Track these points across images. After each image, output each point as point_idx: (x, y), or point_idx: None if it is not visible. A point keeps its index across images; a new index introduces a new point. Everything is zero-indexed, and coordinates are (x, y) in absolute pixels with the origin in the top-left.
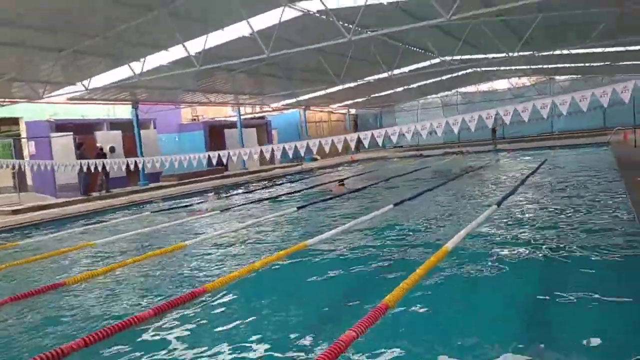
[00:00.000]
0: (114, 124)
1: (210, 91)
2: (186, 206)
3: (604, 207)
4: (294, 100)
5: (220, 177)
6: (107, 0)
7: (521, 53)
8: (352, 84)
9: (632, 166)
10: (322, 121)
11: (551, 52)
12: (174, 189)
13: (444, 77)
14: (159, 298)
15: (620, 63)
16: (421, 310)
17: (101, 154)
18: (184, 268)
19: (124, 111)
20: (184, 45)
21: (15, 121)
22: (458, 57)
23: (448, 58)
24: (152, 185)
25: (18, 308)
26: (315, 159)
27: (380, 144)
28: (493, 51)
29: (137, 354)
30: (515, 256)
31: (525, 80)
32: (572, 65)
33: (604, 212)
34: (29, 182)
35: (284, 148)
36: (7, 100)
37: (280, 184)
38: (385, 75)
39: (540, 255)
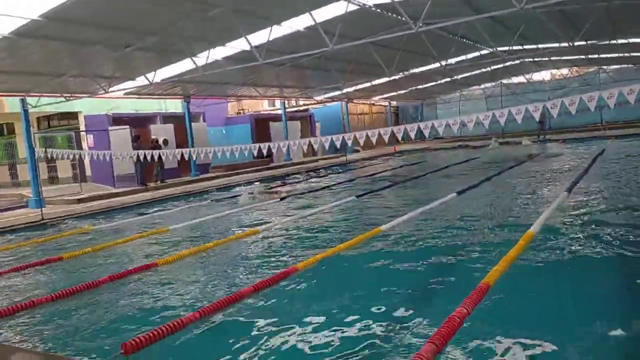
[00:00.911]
0: (166, 118)
1: (257, 84)
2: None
3: None
4: (337, 92)
5: (266, 168)
6: None
7: (578, 43)
8: (396, 77)
9: None
10: (364, 113)
11: (607, 42)
12: (226, 179)
13: (490, 69)
14: (252, 276)
15: None
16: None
17: (156, 146)
18: (266, 250)
19: (174, 106)
20: (247, 40)
21: (74, 115)
22: (512, 48)
23: (503, 49)
24: (202, 176)
25: (118, 286)
26: (357, 151)
27: (427, 136)
28: (545, 41)
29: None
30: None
31: (566, 71)
32: (622, 55)
33: None
34: (88, 172)
35: (331, 140)
36: (71, 95)
37: (330, 174)
38: (436, 66)
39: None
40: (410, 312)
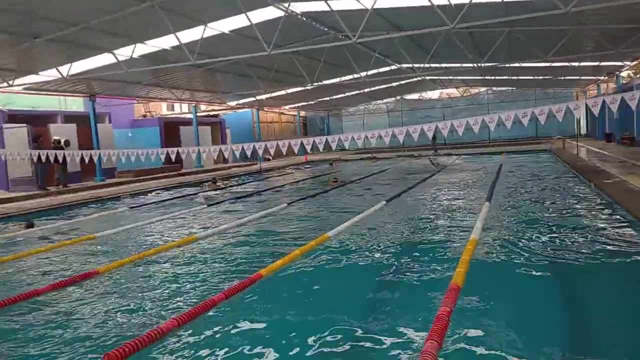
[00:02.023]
0: (68, 117)
1: (170, 87)
2: (167, 200)
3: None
4: (251, 99)
5: (177, 174)
6: None
7: (485, 64)
8: (310, 86)
9: (585, 170)
10: (274, 122)
11: (507, 65)
12: (137, 185)
13: (394, 84)
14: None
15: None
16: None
17: (58, 147)
18: (229, 256)
19: (75, 104)
20: (177, 37)
21: None
22: (423, 65)
23: (417, 65)
24: (109, 181)
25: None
26: (268, 159)
27: (333, 149)
28: (454, 61)
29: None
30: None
31: (453, 90)
32: (509, 77)
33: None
34: None
35: (242, 148)
36: None
37: (250, 182)
38: (348, 78)
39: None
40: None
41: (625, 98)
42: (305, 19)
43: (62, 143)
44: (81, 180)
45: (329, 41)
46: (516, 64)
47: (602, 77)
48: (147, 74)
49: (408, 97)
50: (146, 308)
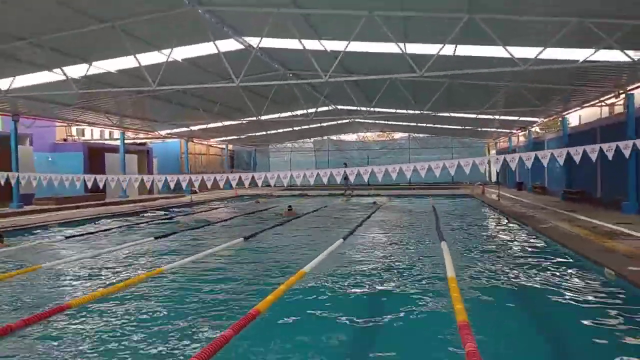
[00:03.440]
0: None
1: (98, 111)
2: (107, 230)
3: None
4: (183, 129)
5: (102, 203)
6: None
7: (425, 111)
8: (244, 120)
9: (516, 214)
10: (202, 153)
11: (437, 114)
12: (65, 213)
13: (325, 124)
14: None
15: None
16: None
17: None
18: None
19: None
20: (136, 59)
21: None
22: (367, 109)
23: (358, 108)
24: (28, 208)
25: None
26: (194, 192)
27: (259, 185)
28: (393, 107)
29: None
30: None
31: (370, 134)
32: (436, 125)
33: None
34: None
35: (165, 179)
36: None
37: (186, 214)
38: (297, 113)
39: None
40: None
41: (538, 156)
42: (260, 54)
43: None
44: None
45: (279, 78)
46: (445, 114)
47: (514, 131)
48: (78, 95)
49: (334, 137)
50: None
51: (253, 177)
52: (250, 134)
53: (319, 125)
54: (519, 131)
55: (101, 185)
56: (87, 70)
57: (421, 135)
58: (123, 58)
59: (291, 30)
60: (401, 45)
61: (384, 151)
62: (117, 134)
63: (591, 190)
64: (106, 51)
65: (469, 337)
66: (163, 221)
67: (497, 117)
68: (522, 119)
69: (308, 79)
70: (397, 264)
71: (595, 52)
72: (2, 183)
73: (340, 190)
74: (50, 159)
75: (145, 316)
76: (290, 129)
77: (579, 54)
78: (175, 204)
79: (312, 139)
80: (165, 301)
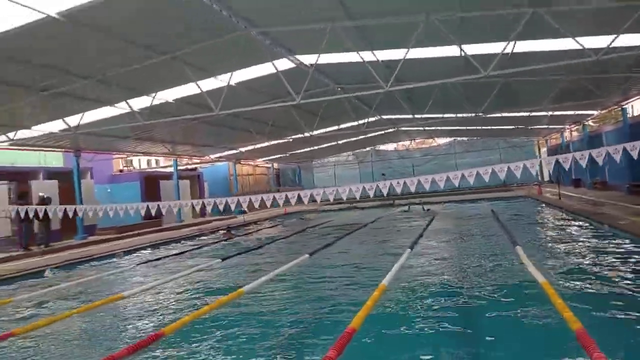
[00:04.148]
0: (50, 173)
1: (150, 140)
2: (176, 255)
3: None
4: (233, 152)
5: (160, 229)
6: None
7: (460, 115)
8: (291, 138)
9: (577, 211)
10: (249, 174)
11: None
12: (129, 241)
13: (369, 135)
14: None
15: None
16: None
17: (42, 204)
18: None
19: (55, 159)
20: (198, 85)
21: None
22: (419, 116)
23: (404, 117)
24: (92, 238)
25: None
26: (244, 212)
27: (306, 203)
28: (441, 112)
29: None
30: None
31: (408, 143)
32: (482, 127)
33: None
34: None
35: (214, 202)
36: None
37: (244, 234)
38: (348, 125)
39: None
40: None
41: (592, 155)
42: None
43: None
44: (61, 239)
45: (329, 94)
46: (497, 115)
47: (566, 126)
48: (134, 127)
49: (379, 147)
50: None
51: (299, 195)
52: (294, 152)
53: (362, 137)
54: (572, 126)
55: (153, 213)
56: (152, 102)
57: (465, 138)
58: (180, 87)
59: (345, 44)
60: (462, 47)
61: (428, 157)
62: (163, 161)
63: None
64: (166, 82)
65: (592, 346)
66: (224, 243)
67: (550, 113)
68: (577, 112)
69: (358, 91)
70: (476, 271)
71: None
72: (70, 216)
73: (389, 201)
74: (109, 190)
75: (241, 339)
76: (335, 142)
77: None
78: (229, 225)
79: (355, 151)
80: (256, 323)
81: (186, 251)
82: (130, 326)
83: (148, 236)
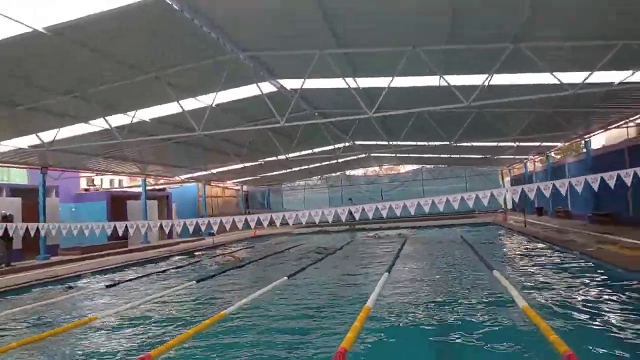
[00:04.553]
0: (13, 190)
1: (120, 158)
2: (144, 276)
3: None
4: (201, 173)
5: (125, 251)
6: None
7: (432, 143)
8: (259, 162)
9: (553, 239)
10: (218, 196)
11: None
12: (93, 262)
13: (339, 160)
14: None
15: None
16: None
17: (6, 222)
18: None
19: (19, 176)
20: (180, 105)
21: None
22: (394, 143)
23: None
24: (55, 258)
25: None
26: (212, 234)
27: (278, 225)
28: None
29: None
30: None
31: (377, 169)
32: (451, 156)
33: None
34: None
35: (184, 223)
36: None
37: (213, 256)
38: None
39: None
40: None
41: (556, 185)
42: (292, 96)
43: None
44: (24, 259)
45: (306, 118)
46: (466, 143)
47: (530, 157)
48: (105, 146)
49: (348, 172)
50: None
51: (272, 217)
52: (265, 174)
53: (333, 162)
54: (536, 157)
55: (120, 233)
56: (132, 120)
57: (432, 166)
58: (158, 106)
59: (332, 70)
60: (444, 77)
61: (396, 184)
62: (127, 181)
63: (622, 211)
64: (148, 101)
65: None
66: (194, 265)
67: (516, 144)
68: (542, 144)
69: (339, 116)
70: (457, 294)
71: (633, 73)
72: (32, 235)
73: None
74: (73, 209)
75: None
76: (306, 166)
77: (616, 76)
78: (198, 247)
79: (325, 176)
80: (244, 345)
81: (155, 273)
82: (108, 351)
83: (115, 257)
